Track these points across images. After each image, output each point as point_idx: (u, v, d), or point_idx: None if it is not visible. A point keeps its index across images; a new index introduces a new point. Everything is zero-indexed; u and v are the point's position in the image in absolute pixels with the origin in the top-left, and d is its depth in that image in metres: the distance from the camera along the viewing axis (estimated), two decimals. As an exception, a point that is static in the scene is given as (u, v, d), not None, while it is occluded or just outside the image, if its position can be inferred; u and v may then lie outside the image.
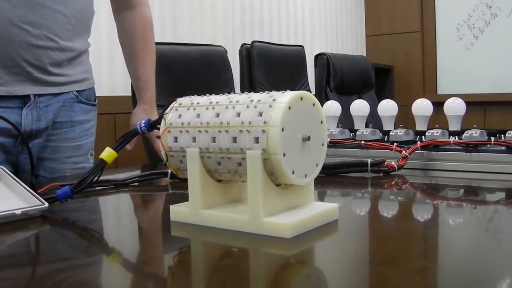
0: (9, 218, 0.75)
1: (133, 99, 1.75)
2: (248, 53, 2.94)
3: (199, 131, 0.71)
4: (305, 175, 0.70)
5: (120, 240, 0.73)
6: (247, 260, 0.62)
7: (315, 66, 3.76)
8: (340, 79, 3.55)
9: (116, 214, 0.92)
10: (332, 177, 1.09)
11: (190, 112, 0.73)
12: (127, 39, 1.48)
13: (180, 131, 0.73)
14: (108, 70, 2.78)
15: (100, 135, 2.52)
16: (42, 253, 0.67)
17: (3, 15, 1.17)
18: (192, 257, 0.65)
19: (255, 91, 2.95)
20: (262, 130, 0.65)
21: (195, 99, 0.76)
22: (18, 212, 0.75)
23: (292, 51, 3.35)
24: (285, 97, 0.67)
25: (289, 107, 0.66)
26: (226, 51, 2.47)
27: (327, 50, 4.29)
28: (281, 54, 3.19)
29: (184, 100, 0.76)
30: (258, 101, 0.68)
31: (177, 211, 0.74)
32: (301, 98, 0.68)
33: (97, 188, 1.00)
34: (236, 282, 0.52)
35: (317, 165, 0.72)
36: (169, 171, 1.10)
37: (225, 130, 0.68)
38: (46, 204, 0.78)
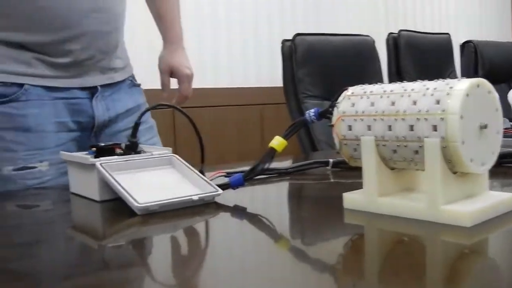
0: (187, 203, 0.80)
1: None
2: (395, 42, 2.90)
3: (374, 119, 0.72)
4: (482, 164, 0.69)
5: (291, 226, 0.76)
6: (424, 249, 0.63)
7: (461, 54, 3.63)
8: (488, 67, 3.40)
9: (284, 202, 0.96)
10: (495, 167, 1.05)
11: (364, 100, 0.74)
12: None
13: (354, 119, 0.75)
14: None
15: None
16: (220, 238, 0.72)
17: (75, 7, 1.14)
18: (366, 244, 0.66)
19: (403, 80, 2.93)
20: (441, 118, 0.65)
21: (367, 87, 0.77)
22: (196, 198, 0.80)
23: (438, 39, 3.26)
24: (463, 84, 0.66)
25: (467, 94, 0.65)
26: (374, 41, 2.46)
27: (472, 37, 4.11)
28: (428, 43, 3.12)
29: (356, 89, 0.78)
30: (434, 89, 0.68)
31: (351, 198, 0.76)
32: (478, 85, 0.68)
33: (262, 176, 1.05)
34: (412, 271, 0.53)
35: (493, 153, 0.71)
36: (330, 160, 1.12)
37: (402, 119, 0.69)
38: (220, 191, 0.83)
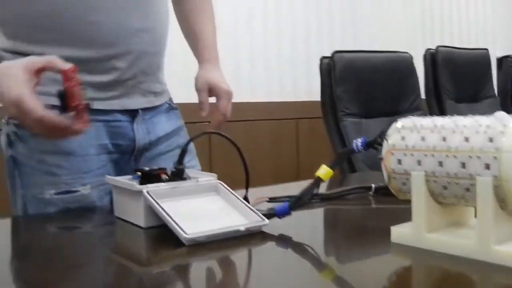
0: (234, 234, 0.80)
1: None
2: (432, 58, 2.88)
3: (424, 154, 0.72)
4: (537, 203, 0.68)
5: (337, 257, 0.76)
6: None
7: (498, 69, 3.59)
8: (526, 82, 3.36)
9: (329, 230, 0.96)
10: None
11: (414, 135, 0.74)
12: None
13: (404, 154, 0.74)
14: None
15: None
16: (265, 269, 0.72)
17: (125, 24, 1.14)
18: (413, 280, 0.66)
19: (441, 97, 2.90)
20: (494, 157, 0.65)
21: (417, 120, 0.76)
22: (242, 228, 0.80)
23: (476, 54, 3.23)
24: (517, 122, 0.66)
25: (523, 133, 0.65)
26: (412, 57, 2.45)
27: (510, 52, 4.06)
28: (465, 58, 3.09)
29: (406, 122, 0.77)
30: (487, 126, 0.67)
31: (399, 232, 0.75)
32: (534, 123, 0.67)
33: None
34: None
35: (548, 192, 0.70)
36: (373, 185, 1.12)
37: (453, 156, 0.68)
38: (267, 221, 0.83)
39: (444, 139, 0.70)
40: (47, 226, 1.02)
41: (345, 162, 2.19)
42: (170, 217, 0.78)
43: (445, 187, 0.70)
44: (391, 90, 2.36)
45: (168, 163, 1.17)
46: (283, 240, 0.83)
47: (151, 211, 0.84)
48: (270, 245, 0.81)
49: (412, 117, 0.79)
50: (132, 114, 1.21)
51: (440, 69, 2.88)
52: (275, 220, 0.87)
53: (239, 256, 0.77)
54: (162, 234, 0.83)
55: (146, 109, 1.24)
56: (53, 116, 0.92)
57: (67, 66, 0.94)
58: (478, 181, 0.66)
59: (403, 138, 0.75)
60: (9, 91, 0.91)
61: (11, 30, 1.11)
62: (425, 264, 0.71)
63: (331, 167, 0.85)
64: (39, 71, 0.95)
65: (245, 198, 0.91)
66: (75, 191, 1.11)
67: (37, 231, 0.99)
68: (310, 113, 3.24)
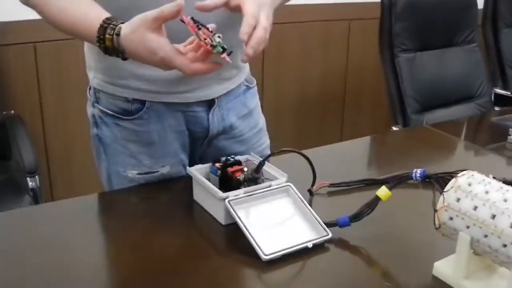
0: (301, 249, 0.96)
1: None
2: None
3: (474, 224, 0.84)
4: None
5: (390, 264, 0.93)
6: None
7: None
8: None
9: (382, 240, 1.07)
10: None
11: (468, 201, 0.86)
12: None
13: (456, 215, 0.87)
14: None
15: (22, 66, 2.58)
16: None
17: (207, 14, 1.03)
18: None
19: (497, 25, 2.88)
20: (533, 252, 0.78)
21: (473, 184, 0.87)
22: (310, 245, 0.96)
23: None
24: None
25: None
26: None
27: None
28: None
29: (462, 182, 0.88)
30: (534, 220, 0.79)
31: (440, 271, 0.91)
32: None
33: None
34: None
35: None
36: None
37: (498, 236, 0.81)
38: (330, 235, 0.98)
39: (493, 216, 0.83)
40: (132, 198, 1.21)
41: (396, 95, 2.29)
42: (251, 236, 0.94)
43: (485, 252, 0.84)
44: (449, 23, 2.43)
45: (240, 147, 1.33)
46: (347, 251, 1.00)
47: (230, 214, 0.99)
48: (333, 256, 0.98)
49: (471, 175, 0.89)
50: (209, 103, 1.26)
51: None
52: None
53: (304, 270, 0.94)
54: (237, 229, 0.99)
55: (222, 96, 1.28)
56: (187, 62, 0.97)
57: (176, 8, 0.94)
58: (514, 266, 0.80)
59: (458, 200, 0.87)
60: (153, 54, 0.96)
61: None
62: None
63: (389, 189, 0.98)
64: (156, 22, 0.96)
65: (310, 203, 1.07)
66: (155, 172, 1.24)
67: (123, 203, 1.18)
68: (362, 15, 3.26)
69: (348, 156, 1.44)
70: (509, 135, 1.49)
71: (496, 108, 2.60)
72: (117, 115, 1.21)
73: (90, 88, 1.26)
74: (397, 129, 2.37)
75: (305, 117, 3.46)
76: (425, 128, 1.64)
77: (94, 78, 1.23)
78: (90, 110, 1.26)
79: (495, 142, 1.54)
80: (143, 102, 1.20)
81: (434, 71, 2.43)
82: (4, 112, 2.49)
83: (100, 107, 1.22)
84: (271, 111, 3.21)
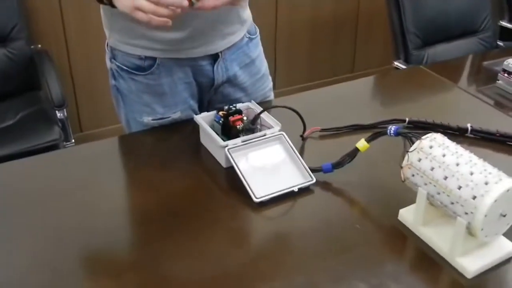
0: (289, 192, 1.14)
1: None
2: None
3: (430, 182, 1.00)
4: (496, 233, 0.98)
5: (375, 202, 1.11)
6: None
7: None
8: None
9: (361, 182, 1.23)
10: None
11: (427, 162, 1.01)
12: None
13: (417, 173, 1.02)
14: None
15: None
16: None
17: None
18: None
19: None
20: (471, 212, 0.94)
21: (434, 147, 1.01)
22: (296, 189, 1.14)
23: None
24: (495, 192, 0.92)
25: (495, 200, 0.92)
26: None
27: None
28: None
29: (425, 144, 1.03)
30: (476, 184, 0.94)
31: (404, 217, 1.08)
32: (508, 190, 0.93)
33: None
34: None
35: (508, 224, 0.99)
36: (407, 119, 1.38)
37: (447, 195, 0.97)
38: (314, 180, 1.15)
39: (445, 178, 0.98)
40: (147, 139, 1.40)
41: (398, 29, 2.34)
42: (245, 180, 1.11)
43: (438, 206, 1.01)
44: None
45: (243, 93, 1.49)
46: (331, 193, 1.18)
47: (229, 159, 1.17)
48: (318, 199, 1.16)
49: (434, 137, 1.04)
50: (213, 57, 1.40)
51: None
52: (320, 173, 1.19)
53: (292, 211, 1.12)
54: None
55: (225, 49, 1.41)
56: None
57: None
58: (457, 221, 0.96)
59: (419, 160, 1.02)
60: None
61: None
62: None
63: (367, 141, 1.14)
64: None
65: (302, 136, 1.23)
66: (167, 117, 1.41)
67: (139, 145, 1.38)
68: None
69: (343, 99, 1.57)
70: (498, 80, 1.60)
71: (500, 43, 2.58)
72: (131, 70, 1.36)
73: (107, 45, 1.41)
74: (398, 64, 2.43)
75: (318, 45, 3.56)
76: (422, 70, 1.74)
77: (110, 37, 1.39)
78: (108, 63, 1.42)
79: (486, 85, 1.65)
80: (154, 59, 1.35)
81: (437, 3, 2.44)
82: (32, 47, 2.63)
83: (117, 63, 1.38)
84: (284, 38, 3.32)
